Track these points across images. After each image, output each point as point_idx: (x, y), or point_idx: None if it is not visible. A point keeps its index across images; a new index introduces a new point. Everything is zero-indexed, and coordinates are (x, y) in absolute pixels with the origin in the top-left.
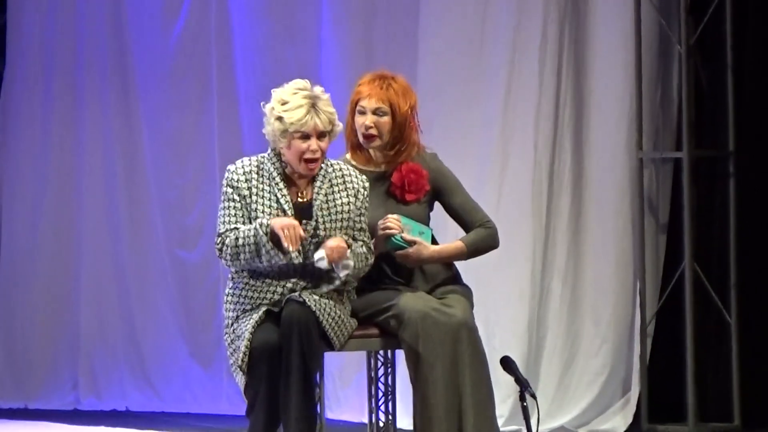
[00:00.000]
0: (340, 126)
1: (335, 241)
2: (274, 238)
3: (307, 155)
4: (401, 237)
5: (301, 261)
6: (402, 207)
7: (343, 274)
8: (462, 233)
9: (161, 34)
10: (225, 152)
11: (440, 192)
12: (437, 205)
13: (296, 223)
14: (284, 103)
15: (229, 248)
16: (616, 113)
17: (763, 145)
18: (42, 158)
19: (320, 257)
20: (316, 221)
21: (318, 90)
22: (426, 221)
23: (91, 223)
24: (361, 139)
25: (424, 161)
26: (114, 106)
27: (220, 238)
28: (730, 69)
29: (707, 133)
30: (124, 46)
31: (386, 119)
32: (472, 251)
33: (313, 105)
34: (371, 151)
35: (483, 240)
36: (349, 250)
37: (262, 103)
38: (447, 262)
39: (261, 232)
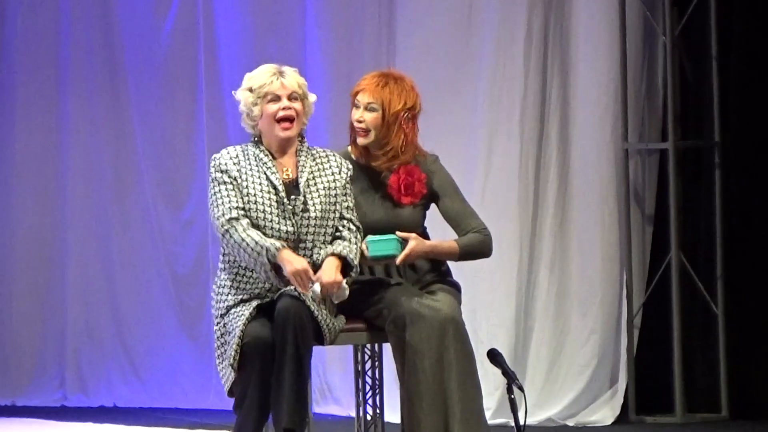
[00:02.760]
0: (312, 97)
1: (329, 277)
2: (277, 267)
3: (280, 114)
4: (378, 238)
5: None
6: (398, 209)
7: (337, 300)
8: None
9: (151, 31)
10: (213, 148)
11: (437, 195)
12: (434, 208)
13: (307, 267)
14: (252, 77)
15: (233, 240)
16: (601, 104)
17: (748, 136)
18: (27, 156)
19: (314, 290)
20: (304, 196)
21: (285, 67)
22: (421, 223)
23: (78, 218)
24: (354, 133)
25: (423, 164)
26: (102, 103)
27: (221, 222)
28: (714, 60)
29: (692, 123)
30: (112, 43)
31: (375, 115)
32: (464, 254)
33: (279, 72)
34: (369, 147)
35: (477, 245)
36: (344, 282)
37: (233, 92)
38: (438, 258)
39: (265, 258)
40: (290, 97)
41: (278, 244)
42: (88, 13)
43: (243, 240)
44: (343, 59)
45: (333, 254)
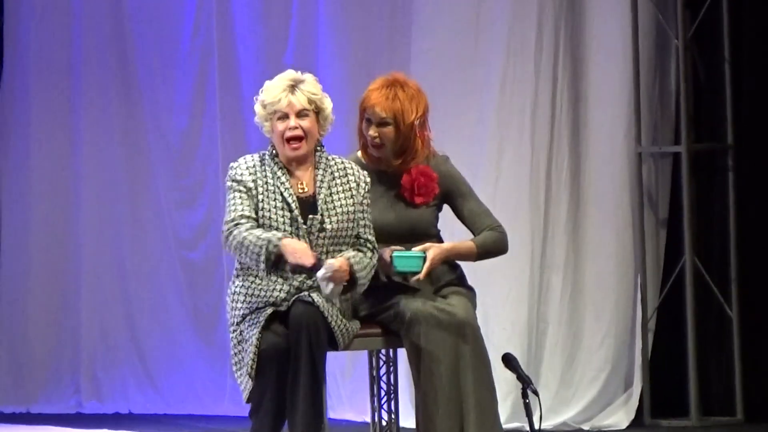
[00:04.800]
0: (329, 109)
1: (338, 263)
2: (279, 259)
3: (287, 134)
4: (405, 256)
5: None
6: (410, 210)
7: (327, 290)
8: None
9: (165, 38)
10: (228, 153)
11: (450, 195)
12: (446, 208)
13: (306, 247)
14: (266, 89)
15: (235, 241)
16: (614, 108)
17: (762, 138)
18: (41, 161)
19: (323, 270)
20: (321, 215)
21: (305, 76)
22: (434, 224)
23: (92, 225)
24: (369, 147)
25: (435, 164)
26: (114, 108)
27: (228, 226)
28: (727, 62)
29: (705, 126)
30: (126, 49)
31: (390, 129)
32: (482, 253)
33: (292, 86)
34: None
35: (493, 243)
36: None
37: (255, 97)
38: (457, 260)
39: (264, 251)
40: (299, 115)
41: (279, 234)
42: (101, 22)
43: (245, 238)
44: (357, 65)
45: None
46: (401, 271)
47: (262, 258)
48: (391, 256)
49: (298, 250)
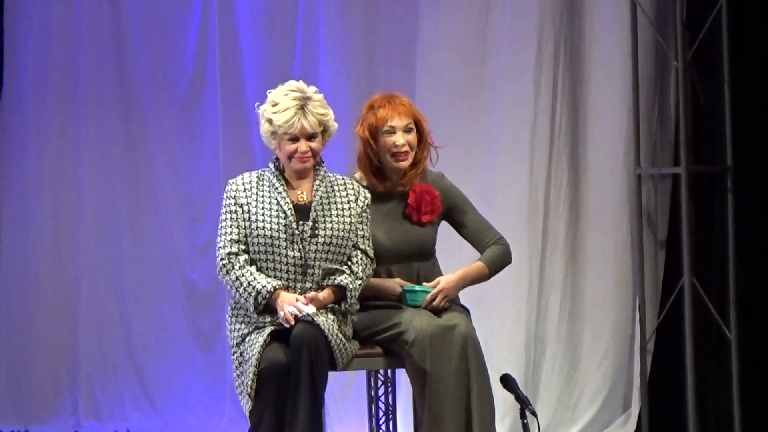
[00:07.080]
0: (334, 126)
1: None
2: (271, 303)
3: (297, 155)
4: (414, 288)
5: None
6: (417, 229)
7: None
8: (470, 249)
9: (168, 54)
10: (231, 171)
11: (451, 211)
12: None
13: (293, 299)
14: (275, 105)
15: (228, 278)
16: (613, 129)
17: (761, 160)
18: (41, 178)
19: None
20: (314, 221)
21: (311, 90)
22: (434, 242)
23: (92, 244)
24: (392, 160)
25: (433, 181)
26: (116, 127)
27: (221, 255)
28: (727, 84)
29: (705, 148)
30: (127, 65)
31: (413, 135)
32: (493, 271)
33: (302, 107)
34: (386, 171)
35: (500, 258)
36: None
37: (256, 104)
38: (471, 285)
39: (254, 299)
40: (309, 137)
41: (270, 286)
42: (102, 37)
43: (237, 279)
44: (361, 83)
45: (332, 286)
46: (410, 305)
47: (251, 303)
48: (402, 291)
49: (286, 303)
